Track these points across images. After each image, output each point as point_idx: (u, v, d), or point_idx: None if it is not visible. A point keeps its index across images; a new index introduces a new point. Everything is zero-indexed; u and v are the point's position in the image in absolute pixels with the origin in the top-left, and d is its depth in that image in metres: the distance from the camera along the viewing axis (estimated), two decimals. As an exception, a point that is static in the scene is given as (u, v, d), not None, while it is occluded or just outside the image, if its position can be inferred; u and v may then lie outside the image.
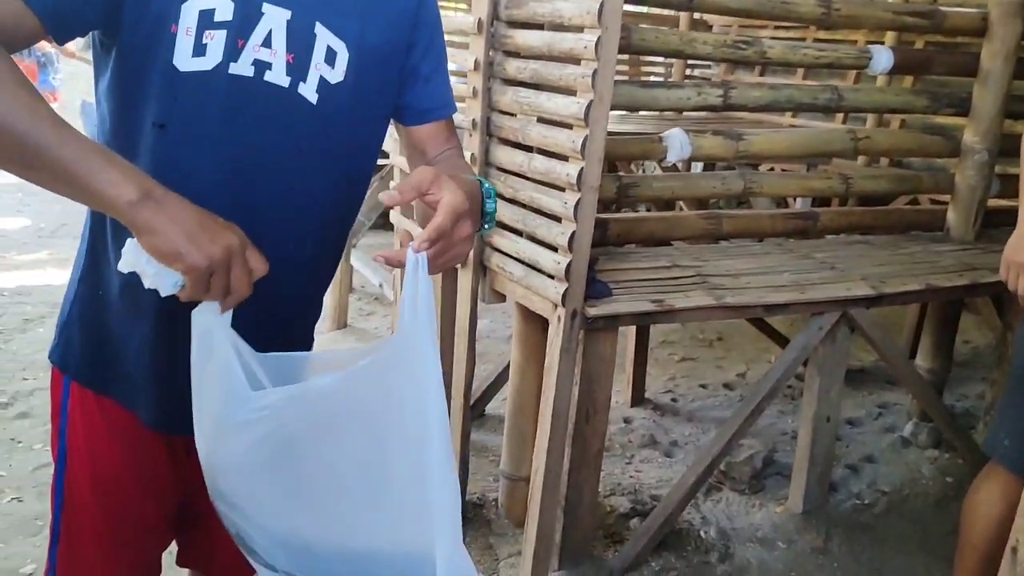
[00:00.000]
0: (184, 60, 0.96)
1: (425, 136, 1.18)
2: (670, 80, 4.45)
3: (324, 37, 1.02)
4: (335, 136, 1.06)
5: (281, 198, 1.05)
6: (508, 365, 3.04)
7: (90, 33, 0.98)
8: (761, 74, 4.38)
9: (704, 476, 2.35)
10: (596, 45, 1.78)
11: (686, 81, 3.20)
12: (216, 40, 0.96)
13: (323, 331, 3.89)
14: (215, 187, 0.99)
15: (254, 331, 0.98)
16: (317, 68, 1.02)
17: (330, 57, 1.03)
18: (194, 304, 0.92)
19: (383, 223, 4.42)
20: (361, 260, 4.14)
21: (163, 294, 0.89)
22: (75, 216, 4.84)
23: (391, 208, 0.99)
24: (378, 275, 4.00)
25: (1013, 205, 3.07)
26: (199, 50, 0.96)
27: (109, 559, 1.16)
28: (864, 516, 2.60)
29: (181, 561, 1.33)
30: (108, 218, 1.01)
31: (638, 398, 3.27)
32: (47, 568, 1.17)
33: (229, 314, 0.93)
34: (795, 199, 3.75)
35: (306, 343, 1.22)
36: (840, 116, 3.63)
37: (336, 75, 1.04)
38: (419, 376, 0.88)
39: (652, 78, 5.07)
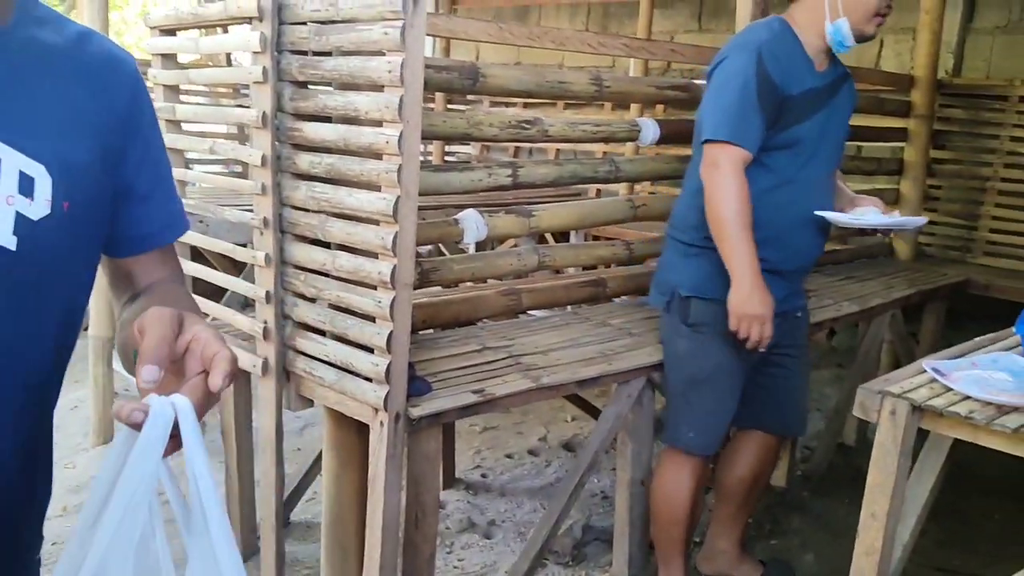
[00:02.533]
0: None
1: (139, 264, 0.97)
2: (461, 163, 4.52)
3: (14, 161, 0.79)
4: (46, 287, 0.84)
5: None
6: (309, 468, 2.86)
7: None
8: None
9: (536, 562, 2.31)
10: (399, 140, 1.71)
11: (476, 164, 3.21)
12: None
13: (88, 447, 3.44)
14: None
15: None
16: (10, 202, 0.79)
17: (27, 187, 0.80)
18: None
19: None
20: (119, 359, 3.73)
21: None
22: None
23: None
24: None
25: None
26: None
27: None
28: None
29: None
30: None
31: (449, 480, 3.17)
32: None
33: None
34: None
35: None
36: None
37: (40, 207, 0.81)
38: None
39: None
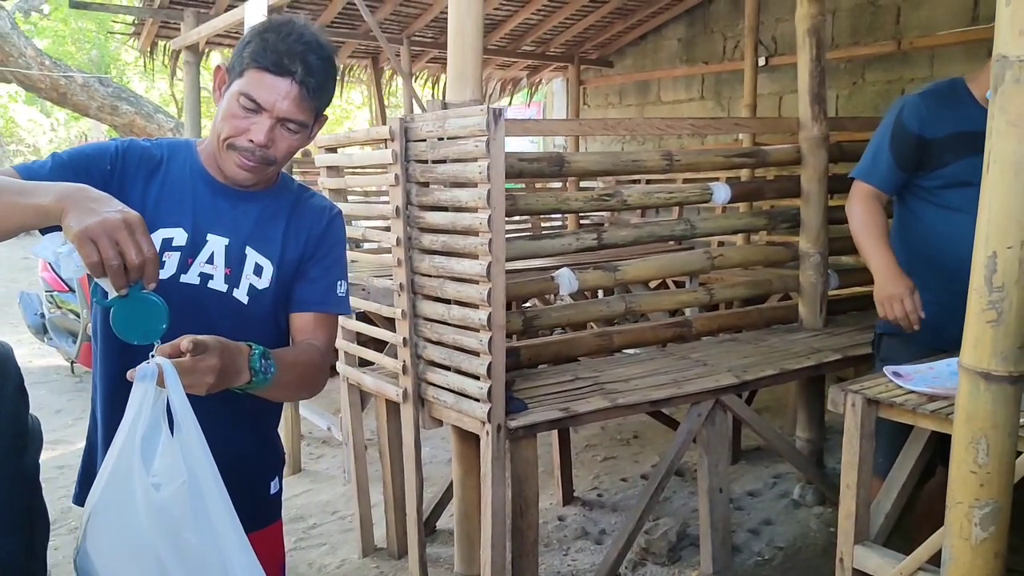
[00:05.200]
0: None
1: (298, 324, 1.52)
2: (555, 231, 5.19)
3: (253, 257, 1.45)
4: (259, 326, 1.45)
5: None
6: (451, 483, 3.50)
7: None
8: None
9: (624, 550, 2.81)
10: (488, 221, 2.36)
11: (567, 231, 3.82)
12: (172, 259, 1.40)
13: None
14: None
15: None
16: (247, 278, 1.44)
17: (258, 270, 1.45)
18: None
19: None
20: (308, 407, 4.55)
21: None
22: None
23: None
24: (324, 419, 4.41)
25: (852, 294, 3.77)
26: (160, 265, 1.31)
27: None
28: (765, 570, 3.08)
29: None
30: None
31: (568, 497, 3.72)
32: None
33: (163, 393, 1.13)
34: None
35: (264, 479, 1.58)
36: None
37: (263, 282, 1.46)
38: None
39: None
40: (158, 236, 1.39)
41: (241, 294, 1.45)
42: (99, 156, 1.40)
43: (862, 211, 2.46)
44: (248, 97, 1.36)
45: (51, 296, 6.14)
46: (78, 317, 5.84)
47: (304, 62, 1.36)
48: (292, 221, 1.52)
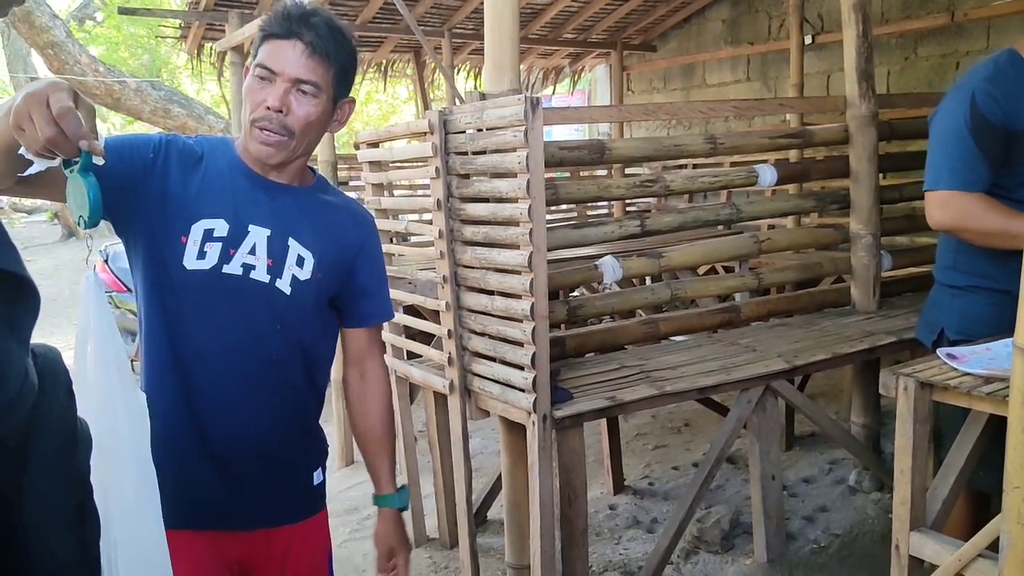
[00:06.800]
0: (191, 261, 1.43)
1: (356, 340, 1.66)
2: (597, 219, 5.15)
3: (295, 248, 1.49)
4: (299, 316, 1.50)
5: (275, 360, 1.50)
6: (501, 474, 3.51)
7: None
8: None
9: (676, 539, 2.79)
10: (529, 211, 2.35)
11: (608, 218, 3.79)
12: (214, 249, 1.44)
13: (333, 469, 4.31)
14: (225, 353, 1.45)
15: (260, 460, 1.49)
16: (290, 269, 1.48)
17: (300, 262, 1.49)
18: None
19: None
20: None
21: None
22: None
23: None
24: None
25: (907, 275, 3.67)
26: (201, 255, 1.43)
27: None
28: (821, 558, 3.02)
29: None
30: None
31: (619, 486, 3.71)
32: None
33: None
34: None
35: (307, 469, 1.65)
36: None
37: (305, 274, 1.49)
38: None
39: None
40: (200, 227, 1.43)
41: (284, 284, 1.48)
42: (143, 145, 1.45)
43: (976, 213, 2.04)
44: (261, 66, 1.43)
45: (110, 296, 6.31)
46: (136, 316, 5.99)
47: (308, 24, 1.42)
48: (332, 218, 1.56)
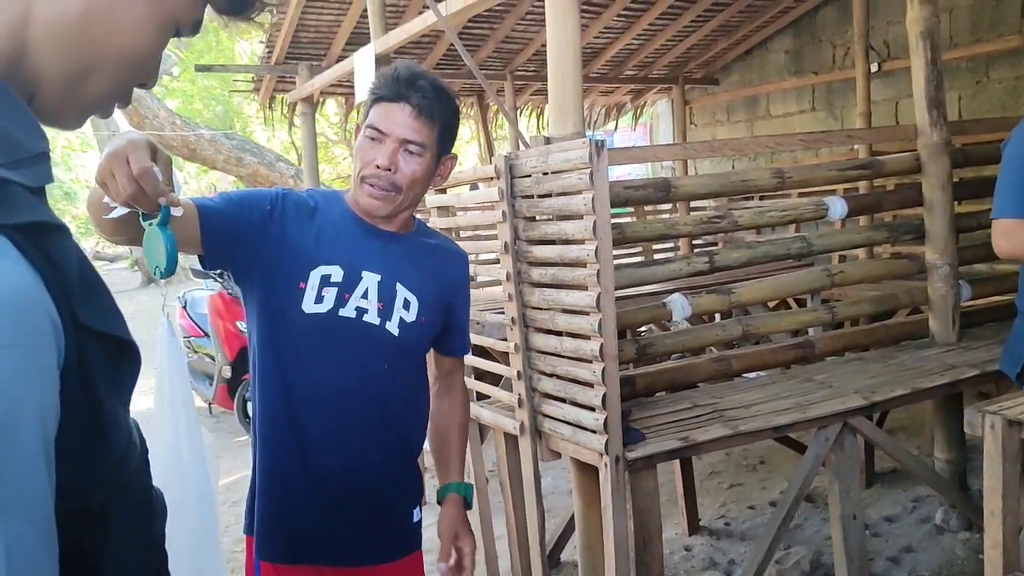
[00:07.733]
0: (309, 305, 1.52)
1: (446, 365, 1.80)
2: (665, 257, 5.13)
3: (402, 292, 1.59)
4: (406, 356, 1.61)
5: (381, 399, 1.58)
6: (573, 515, 3.48)
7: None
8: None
9: (754, 583, 2.72)
10: (596, 252, 2.36)
11: (676, 255, 3.77)
12: (330, 294, 1.53)
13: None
14: (335, 392, 1.53)
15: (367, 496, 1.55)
16: (398, 312, 1.58)
17: (406, 305, 1.59)
18: None
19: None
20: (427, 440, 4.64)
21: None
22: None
23: None
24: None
25: (987, 304, 3.56)
26: (319, 300, 1.52)
27: None
28: (909, 601, 2.92)
29: None
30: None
31: (694, 526, 3.64)
32: None
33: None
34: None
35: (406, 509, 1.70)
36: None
37: (411, 316, 1.60)
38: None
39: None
40: (318, 273, 1.52)
41: (393, 327, 1.57)
42: (260, 198, 1.56)
43: None
44: (372, 127, 1.52)
45: (188, 341, 6.51)
46: (213, 360, 6.16)
47: (415, 87, 1.51)
48: (433, 262, 1.67)
